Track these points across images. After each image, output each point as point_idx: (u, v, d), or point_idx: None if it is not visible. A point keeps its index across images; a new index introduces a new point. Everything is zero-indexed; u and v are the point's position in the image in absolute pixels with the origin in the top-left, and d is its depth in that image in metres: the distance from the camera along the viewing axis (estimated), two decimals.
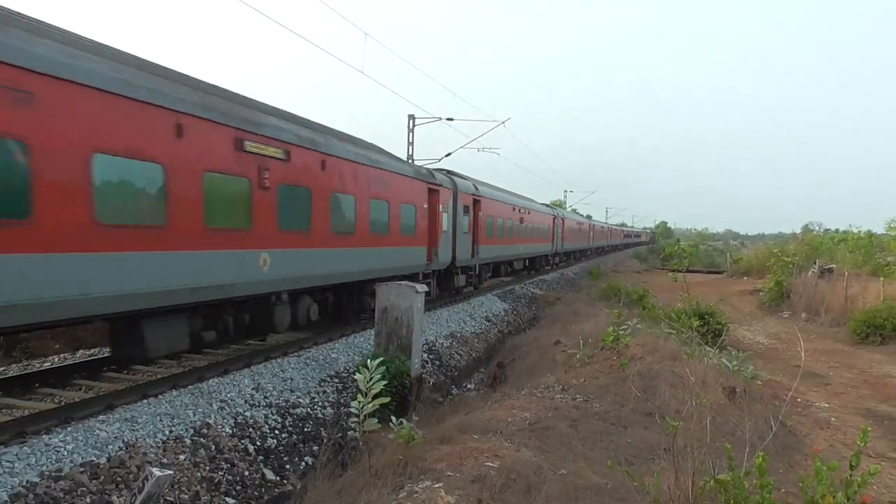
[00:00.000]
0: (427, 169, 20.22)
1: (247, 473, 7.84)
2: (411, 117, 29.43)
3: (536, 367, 13.14)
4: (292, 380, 10.63)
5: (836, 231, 65.84)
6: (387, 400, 6.45)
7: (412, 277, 16.83)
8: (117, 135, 7.67)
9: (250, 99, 11.38)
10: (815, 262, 32.05)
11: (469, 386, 14.94)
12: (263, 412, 9.26)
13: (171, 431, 7.80)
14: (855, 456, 3.80)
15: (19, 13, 7.25)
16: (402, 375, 10.58)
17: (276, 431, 9.01)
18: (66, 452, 6.67)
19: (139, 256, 8.10)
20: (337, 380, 11.37)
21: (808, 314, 24.93)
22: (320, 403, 10.35)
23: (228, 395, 9.25)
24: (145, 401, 8.49)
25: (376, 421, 6.18)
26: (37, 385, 9.41)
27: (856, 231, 47.87)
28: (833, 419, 10.44)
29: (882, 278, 25.36)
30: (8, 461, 6.25)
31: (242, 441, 8.37)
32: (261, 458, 8.32)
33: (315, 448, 9.14)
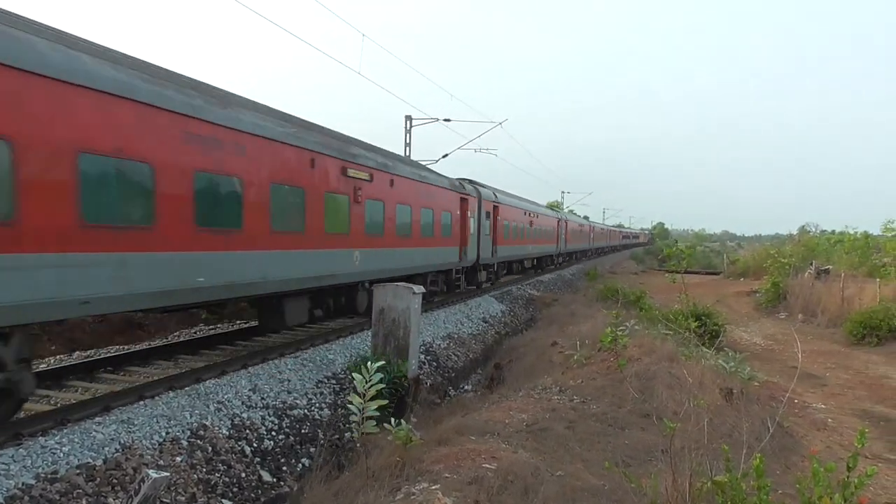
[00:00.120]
0: (459, 180, 23.04)
1: (243, 475, 7.82)
2: (408, 118, 29.45)
3: (534, 369, 13.14)
4: (289, 381, 10.62)
5: (833, 232, 65.99)
6: (386, 402, 6.45)
7: (448, 272, 21.38)
8: (283, 170, 11.34)
9: (346, 135, 15.17)
10: (811, 264, 32.11)
11: (466, 387, 14.93)
12: (260, 413, 9.24)
13: (167, 433, 7.77)
14: (852, 457, 3.81)
15: (215, 88, 10.81)
16: (401, 377, 10.58)
17: (273, 433, 8.99)
18: (62, 454, 6.64)
19: (289, 254, 11.58)
20: (334, 381, 11.35)
21: (805, 315, 24.98)
22: (317, 405, 10.33)
23: (225, 397, 9.23)
24: (142, 402, 8.47)
25: (375, 423, 6.18)
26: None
27: (852, 232, 47.94)
28: (830, 420, 10.46)
29: (878, 279, 25.42)
30: (3, 463, 6.22)
31: (239, 443, 8.35)
32: (257, 459, 8.30)
33: (312, 449, 9.12)
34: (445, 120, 29.42)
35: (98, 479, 6.47)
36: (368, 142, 16.71)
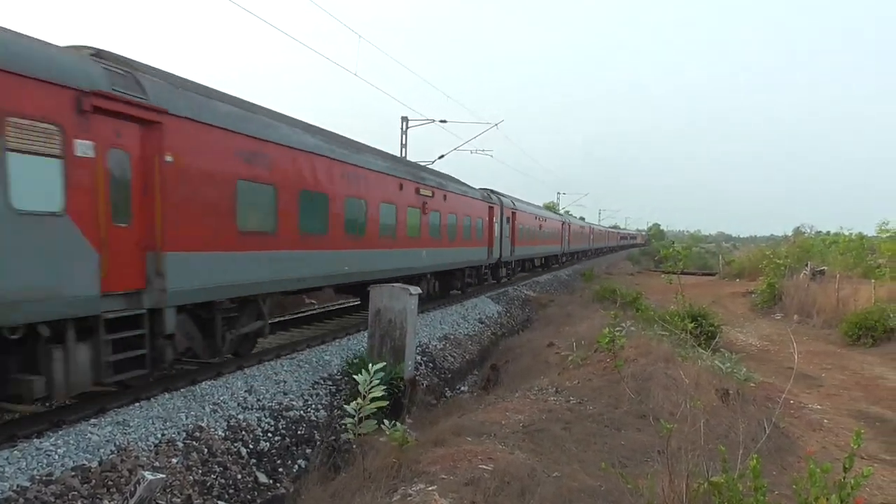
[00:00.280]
0: (488, 192, 27.68)
1: (239, 477, 7.80)
2: (404, 119, 29.45)
3: (530, 370, 13.15)
4: (285, 382, 10.60)
5: (828, 233, 66.18)
6: (385, 403, 6.46)
7: (479, 268, 25.97)
8: (387, 193, 16.01)
9: (415, 162, 22.03)
10: (806, 265, 32.21)
11: (463, 388, 14.92)
12: (256, 415, 9.22)
13: (163, 435, 7.75)
14: (848, 458, 3.81)
15: (352, 140, 15.61)
16: (398, 379, 10.57)
17: (269, 434, 8.98)
18: (57, 456, 6.62)
19: (389, 252, 16.29)
20: (330, 382, 11.33)
21: (800, 316, 25.05)
22: (313, 406, 10.31)
23: (221, 398, 9.21)
24: (137, 404, 8.44)
25: (375, 423, 6.18)
26: None
27: (847, 233, 48.08)
28: (826, 421, 10.48)
29: (873, 280, 25.49)
30: None
31: (235, 444, 8.33)
32: (253, 461, 8.28)
33: (308, 451, 9.11)
34: (441, 121, 29.45)
35: (93, 481, 6.45)
36: (459, 179, 23.36)
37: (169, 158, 8.56)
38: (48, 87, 6.88)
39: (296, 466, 8.67)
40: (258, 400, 9.63)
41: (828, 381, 13.91)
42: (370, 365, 6.58)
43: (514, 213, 29.99)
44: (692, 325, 14.63)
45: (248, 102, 11.29)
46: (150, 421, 7.93)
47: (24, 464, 6.35)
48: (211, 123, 9.42)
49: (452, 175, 23.30)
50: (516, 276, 34.19)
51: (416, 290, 11.84)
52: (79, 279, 7.33)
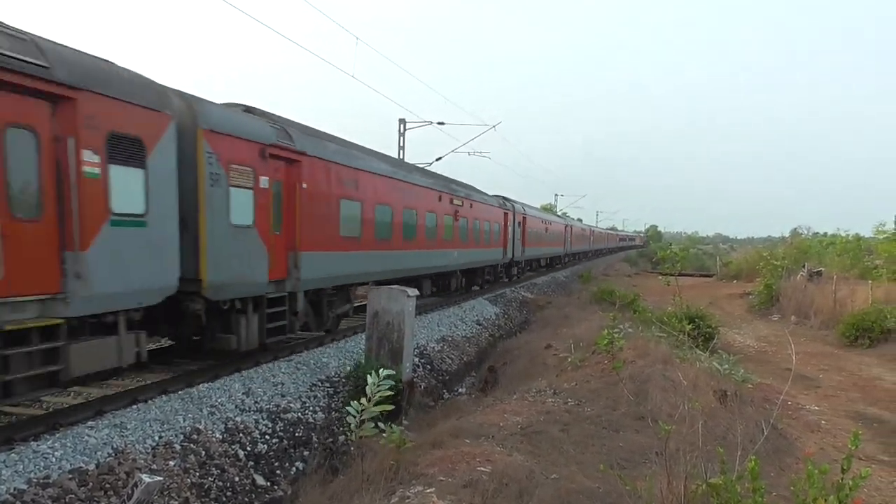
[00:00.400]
0: (502, 199, 30.65)
1: (237, 479, 7.79)
2: (402, 121, 29.44)
3: (528, 371, 13.14)
4: (283, 384, 10.58)
5: (825, 234, 66.26)
6: (391, 407, 6.47)
7: (495, 266, 29.63)
8: (431, 204, 19.51)
9: (446, 176, 24.00)
10: (803, 266, 32.25)
11: (460, 390, 14.92)
12: (254, 417, 9.21)
13: (160, 437, 7.73)
14: (846, 459, 3.81)
15: (406, 162, 22.69)
16: (396, 381, 10.56)
17: (267, 436, 8.96)
18: (54, 459, 6.60)
19: (429, 253, 19.51)
20: (328, 384, 11.32)
21: (798, 317, 25.08)
22: (311, 408, 10.30)
23: (219, 400, 9.19)
24: (135, 406, 8.42)
25: (374, 426, 6.18)
26: None
27: (844, 234, 48.16)
28: (823, 422, 10.50)
29: (870, 281, 25.54)
30: None
31: (233, 446, 8.32)
32: (251, 463, 8.27)
33: (306, 453, 9.10)
34: (439, 123, 29.46)
35: (91, 483, 6.44)
36: (481, 190, 27.47)
37: (304, 185, 12.05)
38: (250, 144, 10.39)
39: (294, 469, 8.67)
40: (256, 402, 9.61)
41: (825, 382, 13.93)
42: (381, 370, 6.61)
43: (524, 218, 33.36)
44: (690, 326, 14.66)
45: (344, 140, 15.26)
46: (148, 423, 7.91)
47: (22, 467, 6.33)
48: (326, 159, 12.95)
49: (454, 179, 25.33)
50: (524, 276, 37.30)
51: (413, 291, 11.84)
52: (259, 270, 10.68)
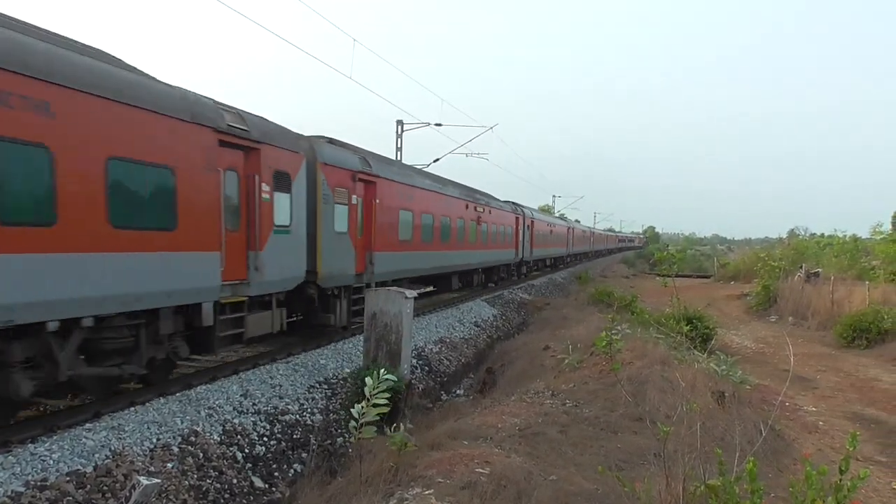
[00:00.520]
0: (513, 204, 34.27)
1: (235, 481, 7.78)
2: (399, 123, 29.43)
3: (526, 373, 13.13)
4: (281, 386, 10.57)
5: (822, 235, 66.36)
6: (387, 410, 6.46)
7: (508, 265, 32.91)
8: (461, 211, 23.32)
9: (470, 186, 26.91)
10: (801, 267, 32.27)
11: (459, 392, 14.91)
12: (252, 419, 9.20)
13: (158, 439, 7.72)
14: (844, 460, 3.81)
15: (440, 176, 23.98)
16: (398, 384, 10.53)
17: (265, 438, 8.95)
18: (51, 461, 6.59)
19: (458, 253, 22.87)
20: (326, 386, 11.31)
21: (795, 318, 25.09)
22: (309, 410, 10.29)
23: (216, 402, 9.18)
24: (132, 408, 8.41)
25: (375, 429, 6.18)
26: None
27: (841, 235, 48.24)
28: (821, 423, 10.50)
29: (867, 282, 25.57)
30: None
31: (231, 448, 8.31)
32: (249, 465, 8.26)
33: (304, 455, 9.08)
34: (437, 125, 29.44)
35: (88, 486, 6.42)
36: (495, 196, 30.58)
37: (378, 200, 15.72)
38: (347, 171, 14.09)
39: (292, 471, 8.65)
40: (254, 404, 9.60)
41: (823, 383, 13.94)
42: (381, 370, 6.62)
43: (532, 222, 37.04)
44: (688, 327, 14.67)
45: (401, 162, 21.62)
46: (146, 425, 7.90)
47: (19, 469, 6.32)
48: (391, 179, 16.82)
49: (475, 188, 28.52)
50: (531, 274, 40.62)
51: (411, 293, 11.84)
52: (350, 265, 14.35)
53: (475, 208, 25.23)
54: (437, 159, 30.11)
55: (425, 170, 25.18)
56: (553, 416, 8.36)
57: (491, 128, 31.25)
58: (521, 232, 33.72)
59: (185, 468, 7.44)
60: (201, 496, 7.21)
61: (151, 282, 8.42)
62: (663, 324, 14.79)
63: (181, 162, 8.90)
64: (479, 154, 35.57)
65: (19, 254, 6.61)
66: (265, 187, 10.85)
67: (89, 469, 6.68)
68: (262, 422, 9.26)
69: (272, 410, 9.67)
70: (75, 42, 8.13)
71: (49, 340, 7.27)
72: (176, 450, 7.68)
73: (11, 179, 6.57)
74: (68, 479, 6.39)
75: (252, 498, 7.76)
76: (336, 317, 13.99)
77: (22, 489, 6.02)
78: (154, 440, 7.67)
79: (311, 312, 13.75)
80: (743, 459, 4.22)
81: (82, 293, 7.40)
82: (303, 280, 12.40)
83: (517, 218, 33.09)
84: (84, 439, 7.16)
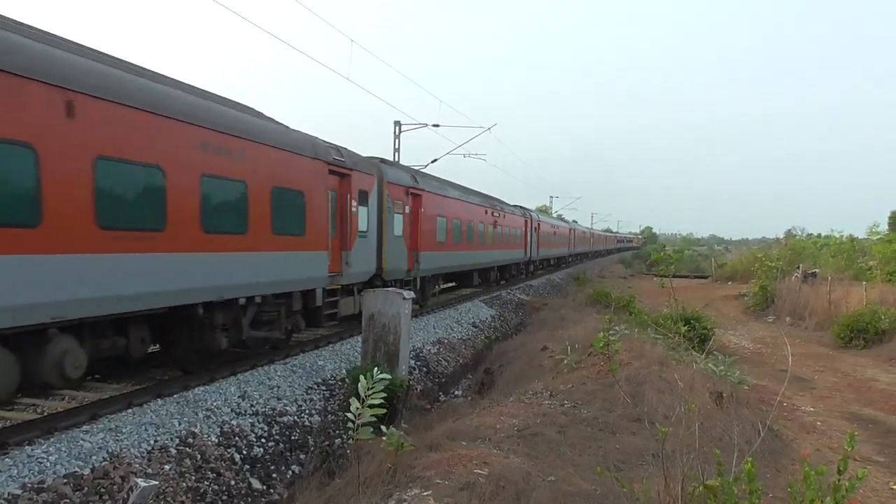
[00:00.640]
0: (522, 208, 37.35)
1: (233, 483, 7.76)
2: (397, 123, 29.42)
3: (524, 374, 13.12)
4: (279, 387, 10.56)
5: (819, 236, 66.49)
6: (384, 411, 6.45)
7: (518, 264, 36.15)
8: (482, 217, 27.06)
9: (487, 193, 30.41)
10: (798, 267, 32.34)
11: (457, 392, 14.90)
12: (250, 420, 9.18)
13: (156, 441, 7.71)
14: (842, 460, 3.81)
15: (467, 186, 27.87)
16: (395, 384, 10.52)
17: (263, 440, 8.94)
18: (48, 464, 6.57)
19: (476, 253, 26.00)
20: (324, 387, 11.30)
21: (793, 318, 25.15)
22: (307, 411, 10.28)
23: (214, 404, 9.16)
24: (130, 410, 8.39)
25: (371, 430, 6.17)
26: (19, 395, 9.26)
27: (838, 236, 48.35)
28: (819, 423, 10.51)
29: (864, 283, 25.62)
30: None
31: (229, 450, 8.29)
32: (247, 467, 8.24)
33: (302, 456, 9.07)
34: (434, 125, 29.43)
35: (85, 488, 6.41)
36: (503, 200, 33.65)
37: (422, 210, 19.15)
38: (402, 187, 17.61)
39: (290, 472, 8.64)
40: (252, 405, 9.59)
41: (820, 384, 13.96)
42: (375, 370, 6.61)
43: (539, 224, 40.66)
44: (685, 328, 14.68)
45: (438, 177, 23.66)
46: (143, 427, 7.89)
47: (16, 471, 6.30)
48: (432, 192, 20.28)
49: (491, 195, 31.95)
50: (537, 273, 43.95)
51: (409, 294, 11.84)
52: (404, 263, 17.78)
53: (492, 213, 28.51)
54: (436, 160, 30.12)
55: (451, 180, 26.47)
56: (551, 416, 8.36)
57: (489, 128, 31.28)
58: (529, 234, 36.94)
59: (183, 470, 7.42)
60: (199, 498, 7.19)
61: (293, 273, 12.11)
62: (661, 324, 14.80)
63: (309, 187, 12.51)
64: (476, 155, 35.50)
65: (219, 253, 9.98)
66: (353, 203, 14.56)
67: (87, 471, 6.66)
68: (260, 423, 9.25)
69: (270, 412, 9.66)
70: (238, 103, 11.41)
71: (238, 312, 10.73)
72: (174, 451, 7.66)
73: (235, 205, 10.39)
74: (65, 481, 6.37)
75: (250, 500, 7.75)
76: None
77: (19, 491, 6.00)
78: (152, 442, 7.66)
79: None
80: (741, 460, 4.22)
81: (259, 279, 10.98)
82: (374, 273, 16.13)
83: (526, 221, 36.45)
84: (81, 441, 7.14)
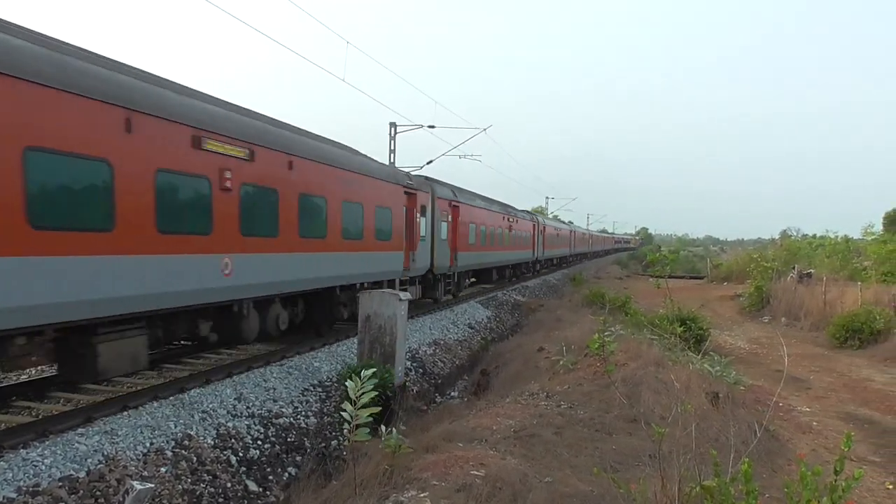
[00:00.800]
0: (531, 213, 43.46)
1: (229, 485, 7.74)
2: (392, 125, 29.39)
3: (520, 375, 13.13)
4: (275, 389, 10.53)
5: (814, 236, 66.68)
6: (378, 410, 6.44)
7: (527, 263, 40.06)
8: (501, 222, 31.43)
9: (502, 201, 34.63)
10: (793, 268, 32.42)
11: (453, 394, 14.89)
12: (246, 422, 9.16)
13: (151, 443, 7.68)
14: (839, 461, 3.82)
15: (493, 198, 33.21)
16: (386, 386, 10.51)
17: (259, 442, 8.92)
18: (44, 467, 6.54)
19: (496, 253, 30.57)
20: (320, 389, 11.28)
21: (788, 319, 25.21)
22: (303, 413, 10.26)
23: (210, 406, 9.14)
24: (125, 413, 8.36)
25: (367, 431, 6.16)
26: (13, 398, 9.24)
27: (833, 236, 48.50)
28: (815, 423, 10.54)
29: (859, 283, 25.70)
30: None
31: (224, 452, 8.26)
32: (243, 469, 8.22)
33: (298, 458, 9.05)
34: (430, 126, 29.40)
35: (81, 491, 6.38)
36: (517, 208, 38.88)
37: (459, 218, 23.10)
38: (447, 201, 22.37)
39: (286, 474, 8.62)
40: (248, 407, 9.56)
41: (816, 384, 14.00)
42: (362, 370, 6.58)
43: (544, 227, 44.58)
44: (681, 328, 14.70)
45: (470, 190, 27.30)
46: (139, 430, 7.86)
47: (11, 475, 6.26)
48: (466, 203, 24.53)
49: (507, 203, 36.08)
50: (541, 271, 46.83)
51: (405, 295, 11.83)
52: (447, 261, 22.19)
53: (508, 219, 32.75)
54: (431, 161, 30.10)
55: (475, 191, 30.09)
56: (548, 417, 8.37)
57: (485, 129, 31.24)
58: (536, 236, 41.01)
59: (179, 472, 7.40)
60: (195, 500, 7.17)
61: (384, 266, 16.73)
62: (657, 325, 14.83)
63: (393, 204, 17.16)
64: (472, 156, 35.48)
65: (348, 252, 14.54)
66: (417, 215, 19.32)
67: (82, 474, 6.63)
68: (256, 425, 9.22)
69: (266, 414, 9.64)
70: (352, 148, 16.02)
71: (354, 292, 14.61)
72: (169, 454, 7.64)
73: (357, 220, 14.93)
74: (61, 484, 6.34)
75: (246, 502, 7.72)
76: (439, 293, 22.28)
77: (14, 495, 5.97)
78: (147, 444, 7.63)
79: (427, 289, 21.35)
80: (738, 460, 4.22)
81: (366, 270, 15.56)
82: (428, 269, 20.54)
83: (534, 225, 40.82)
84: (77, 444, 7.11)
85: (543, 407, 9.02)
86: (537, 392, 10.01)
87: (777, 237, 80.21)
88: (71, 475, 6.53)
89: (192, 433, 8.22)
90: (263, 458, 8.63)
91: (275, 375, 11.10)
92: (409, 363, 14.00)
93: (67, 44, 8.06)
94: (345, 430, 6.39)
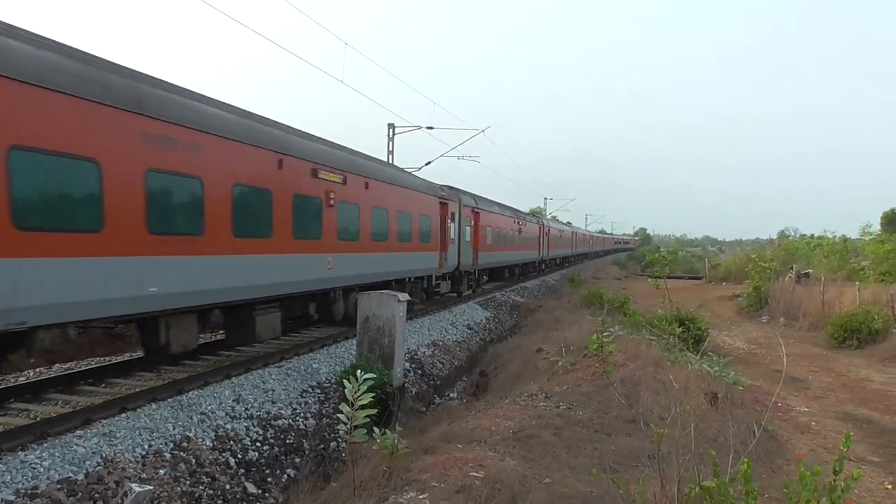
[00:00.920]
0: (536, 216, 46.91)
1: (228, 487, 7.73)
2: (391, 126, 29.40)
3: (519, 376, 13.13)
4: (273, 391, 10.52)
5: (812, 236, 66.74)
6: (374, 411, 6.43)
7: (533, 262, 42.53)
8: (512, 226, 34.33)
9: (515, 207, 38.96)
10: (791, 268, 32.44)
11: (452, 395, 14.88)
12: (244, 424, 9.15)
13: (150, 445, 7.67)
14: (838, 461, 3.82)
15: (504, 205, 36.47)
16: (384, 385, 10.50)
17: (258, 444, 8.91)
18: (42, 469, 6.53)
19: (505, 253, 33.15)
20: (319, 390, 11.27)
21: (787, 319, 25.23)
22: (302, 414, 10.25)
23: (209, 408, 9.12)
24: (124, 414, 8.34)
25: (364, 432, 6.15)
26: (11, 400, 9.22)
27: (831, 236, 48.55)
28: (813, 423, 10.55)
29: (857, 283, 25.72)
30: None
31: (223, 454, 8.25)
32: (242, 471, 8.21)
33: (297, 460, 9.04)
34: (428, 128, 29.42)
35: (79, 493, 6.37)
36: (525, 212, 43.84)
37: (480, 222, 26.60)
38: (471, 208, 25.78)
39: (285, 476, 8.61)
40: (246, 409, 9.55)
41: (815, 384, 14.01)
42: (359, 372, 6.57)
43: (549, 230, 47.54)
44: (680, 329, 14.71)
45: (487, 198, 29.67)
46: (137, 432, 7.84)
47: (9, 477, 6.25)
48: (485, 209, 27.94)
49: (517, 208, 39.23)
50: (545, 271, 49.05)
51: (404, 296, 11.81)
52: (471, 260, 25.65)
53: (518, 222, 35.57)
54: (429, 162, 30.12)
55: (488, 197, 32.14)
56: (547, 418, 8.36)
57: (483, 130, 31.28)
58: (541, 238, 43.76)
59: (178, 474, 7.39)
60: (194, 502, 7.16)
61: (424, 264, 19.79)
62: (656, 325, 14.83)
63: (431, 212, 20.30)
64: (470, 157, 35.51)
65: (399, 253, 17.66)
66: (449, 221, 22.27)
67: (80, 476, 6.62)
68: (254, 427, 9.21)
69: (265, 415, 9.63)
70: (400, 168, 20.79)
71: (404, 285, 18.05)
72: (168, 456, 7.63)
73: (406, 225, 18.19)
74: (59, 486, 6.33)
75: None
76: (463, 288, 25.38)
77: (12, 497, 5.96)
78: (146, 446, 7.61)
79: (454, 284, 24.15)
80: (737, 460, 4.22)
81: (413, 266, 18.81)
82: (455, 267, 23.33)
83: (539, 227, 43.70)
84: (75, 446, 7.10)
85: (542, 408, 9.02)
86: (536, 393, 10.01)
87: (775, 237, 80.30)
88: (69, 477, 6.52)
89: (190, 435, 8.21)
90: (262, 460, 8.62)
91: (273, 377, 11.09)
92: (407, 364, 14.00)
93: (229, 104, 11.08)
94: (340, 432, 6.38)
